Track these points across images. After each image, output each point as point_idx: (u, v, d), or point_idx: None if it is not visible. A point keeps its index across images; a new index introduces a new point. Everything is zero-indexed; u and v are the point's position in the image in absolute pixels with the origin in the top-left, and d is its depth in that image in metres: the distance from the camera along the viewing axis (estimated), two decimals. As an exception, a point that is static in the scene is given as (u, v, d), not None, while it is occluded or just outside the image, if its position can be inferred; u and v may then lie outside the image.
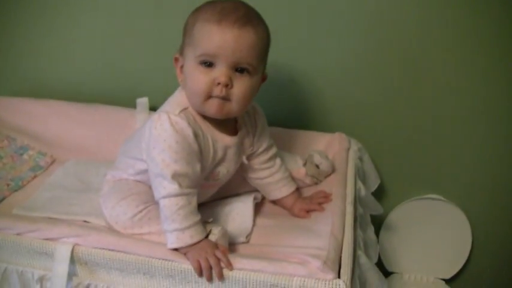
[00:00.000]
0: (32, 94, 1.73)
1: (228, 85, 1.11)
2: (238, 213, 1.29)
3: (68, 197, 1.38)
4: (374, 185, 1.59)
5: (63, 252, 1.11)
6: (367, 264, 1.22)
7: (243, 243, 1.23)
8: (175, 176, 1.09)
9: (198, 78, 1.11)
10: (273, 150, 1.36)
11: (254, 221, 1.30)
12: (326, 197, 1.33)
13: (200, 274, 1.06)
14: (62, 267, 1.11)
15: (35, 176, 1.50)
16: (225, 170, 1.25)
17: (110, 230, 1.19)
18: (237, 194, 1.39)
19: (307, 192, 1.41)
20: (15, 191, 1.43)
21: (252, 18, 1.12)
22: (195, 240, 1.09)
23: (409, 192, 1.72)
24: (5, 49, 1.77)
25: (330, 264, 1.05)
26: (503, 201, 1.69)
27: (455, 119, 1.61)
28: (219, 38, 1.09)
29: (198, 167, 1.14)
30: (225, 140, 1.21)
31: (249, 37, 1.10)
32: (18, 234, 1.15)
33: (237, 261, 1.06)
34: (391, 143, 1.68)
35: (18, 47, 1.76)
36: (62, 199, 1.37)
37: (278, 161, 1.37)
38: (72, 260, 1.11)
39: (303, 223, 1.28)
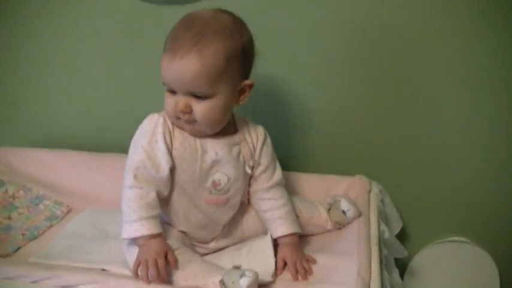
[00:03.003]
0: (46, 145, 1.73)
1: (188, 111, 1.14)
2: (259, 252, 1.25)
3: (86, 245, 1.35)
4: (397, 228, 1.56)
5: (81, 300, 1.07)
6: (395, 306, 1.17)
7: (270, 282, 1.19)
8: (134, 169, 1.15)
9: (166, 102, 1.17)
10: (277, 181, 1.32)
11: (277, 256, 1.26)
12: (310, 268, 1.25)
13: (135, 274, 1.10)
14: (80, 315, 1.07)
15: (50, 226, 1.48)
16: (225, 178, 1.23)
17: (130, 276, 1.15)
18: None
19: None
20: (31, 240, 1.40)
21: (200, 40, 1.11)
22: (138, 234, 1.11)
23: (433, 235, 1.68)
24: (20, 101, 1.79)
25: (359, 306, 1.00)
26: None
27: (476, 161, 1.59)
28: (167, 69, 1.14)
29: (164, 166, 1.16)
30: (215, 140, 1.22)
31: (191, 67, 1.11)
32: (34, 282, 1.11)
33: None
34: (411, 185, 1.65)
35: (34, 99, 1.78)
36: (79, 247, 1.33)
37: (283, 199, 1.32)
38: (91, 308, 1.07)
39: (327, 261, 1.25)
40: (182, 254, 1.16)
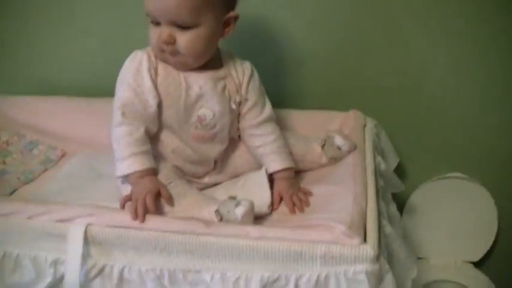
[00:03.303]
0: (39, 93, 1.71)
1: (171, 42, 1.14)
2: (254, 184, 1.26)
3: (81, 185, 1.35)
4: (393, 163, 1.55)
5: (76, 233, 1.06)
6: (393, 234, 1.16)
7: (266, 214, 1.20)
8: (122, 106, 1.16)
9: (151, 35, 1.17)
10: (266, 116, 1.31)
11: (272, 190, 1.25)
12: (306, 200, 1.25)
13: (121, 207, 1.12)
14: (75, 249, 1.06)
15: (45, 170, 1.48)
16: (210, 113, 1.23)
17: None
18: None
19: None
20: (27, 183, 1.40)
21: None
22: (132, 170, 1.12)
23: (430, 172, 1.67)
24: (12, 51, 1.76)
25: (355, 228, 0.99)
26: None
27: (473, 97, 1.58)
28: (150, 1, 1.13)
29: (151, 102, 1.17)
30: (199, 74, 1.21)
31: None
32: (29, 217, 1.10)
33: (259, 230, 1.01)
34: (407, 122, 1.64)
35: (26, 48, 1.75)
36: (75, 187, 1.34)
37: (274, 134, 1.32)
38: (86, 241, 1.06)
39: (323, 192, 1.24)
40: (177, 186, 1.17)
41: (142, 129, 1.16)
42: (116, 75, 1.23)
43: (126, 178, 1.15)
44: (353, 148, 1.36)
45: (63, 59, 1.73)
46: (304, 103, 1.59)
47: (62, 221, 1.08)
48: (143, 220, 1.05)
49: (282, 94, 1.60)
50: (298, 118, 1.52)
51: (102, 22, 1.67)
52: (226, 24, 1.20)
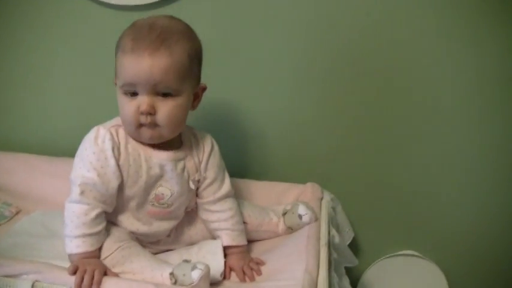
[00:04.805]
0: (1, 148, 1.71)
1: (152, 113, 1.12)
2: (208, 251, 1.25)
3: (32, 242, 1.32)
4: (348, 238, 1.57)
5: (23, 288, 1.04)
6: (343, 308, 1.18)
7: (219, 281, 1.19)
8: (82, 184, 1.12)
9: (125, 108, 1.14)
10: (224, 193, 1.30)
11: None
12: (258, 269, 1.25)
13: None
14: (21, 306, 1.04)
15: (-2, 225, 1.45)
16: (168, 192, 1.22)
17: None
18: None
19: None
20: (-23, 239, 1.36)
21: (167, 38, 1.12)
22: (80, 250, 1.10)
23: (385, 249, 1.69)
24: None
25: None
26: (478, 255, 1.67)
27: (426, 175, 1.63)
28: (133, 67, 1.10)
29: (113, 183, 1.15)
30: (160, 155, 1.20)
31: (162, 62, 1.10)
32: (-24, 271, 1.08)
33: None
34: (362, 199, 1.67)
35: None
36: (26, 244, 1.31)
37: (231, 211, 1.31)
38: (33, 298, 1.04)
39: (276, 262, 1.24)
40: (131, 248, 1.16)
41: (98, 210, 1.13)
42: (80, 137, 1.20)
43: (71, 256, 1.13)
44: (313, 220, 1.36)
45: (24, 116, 1.75)
46: (264, 174, 1.62)
47: (9, 276, 1.06)
48: None
49: (242, 165, 1.63)
50: (257, 189, 1.53)
51: (69, 82, 1.69)
52: (196, 95, 1.22)
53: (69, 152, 1.59)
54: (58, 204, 1.49)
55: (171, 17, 1.20)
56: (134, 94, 1.13)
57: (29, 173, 1.60)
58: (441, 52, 1.50)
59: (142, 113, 1.12)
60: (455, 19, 1.47)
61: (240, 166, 1.58)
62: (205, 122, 1.54)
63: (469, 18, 1.46)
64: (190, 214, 1.34)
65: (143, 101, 1.12)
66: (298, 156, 1.64)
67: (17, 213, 1.53)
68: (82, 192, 1.12)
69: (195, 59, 1.18)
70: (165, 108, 1.13)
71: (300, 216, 1.37)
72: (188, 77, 1.15)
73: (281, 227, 1.39)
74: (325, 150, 1.63)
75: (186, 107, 1.17)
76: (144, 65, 1.09)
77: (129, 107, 1.13)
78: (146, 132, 1.15)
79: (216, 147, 1.30)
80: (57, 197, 1.53)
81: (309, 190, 1.50)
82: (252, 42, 1.56)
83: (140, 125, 1.14)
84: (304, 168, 1.64)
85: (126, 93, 1.14)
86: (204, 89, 1.24)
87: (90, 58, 1.64)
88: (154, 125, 1.14)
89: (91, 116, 1.57)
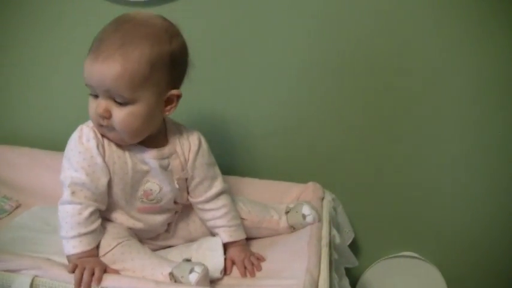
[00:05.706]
0: (6, 142, 1.70)
1: (106, 116, 1.10)
2: (208, 249, 1.25)
3: (33, 237, 1.32)
4: (348, 238, 1.57)
5: (22, 284, 1.04)
6: (343, 308, 1.18)
7: (218, 279, 1.19)
8: (72, 185, 1.12)
9: (89, 108, 1.14)
10: (216, 191, 1.29)
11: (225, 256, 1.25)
12: (258, 264, 1.25)
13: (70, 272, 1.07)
14: (20, 300, 1.03)
15: (-2, 219, 1.44)
16: (156, 188, 1.21)
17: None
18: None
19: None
20: (-24, 232, 1.36)
21: (125, 43, 1.08)
22: (77, 250, 1.10)
23: (384, 250, 1.70)
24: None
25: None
26: (477, 257, 1.67)
27: (428, 173, 1.62)
28: (88, 70, 1.10)
29: (103, 180, 1.14)
30: (144, 153, 1.18)
31: (113, 70, 1.07)
32: (-25, 266, 1.07)
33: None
34: (364, 200, 1.67)
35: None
36: (26, 239, 1.30)
37: (225, 208, 1.29)
38: (33, 292, 1.04)
39: (277, 260, 1.24)
40: (130, 245, 1.15)
41: (92, 208, 1.12)
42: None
43: (69, 257, 1.12)
44: (317, 220, 1.35)
45: (30, 111, 1.74)
46: (265, 173, 1.61)
47: (9, 271, 1.06)
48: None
49: (243, 163, 1.62)
50: (258, 187, 1.53)
51: (74, 78, 1.67)
52: (169, 101, 1.17)
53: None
54: (58, 199, 1.50)
55: (153, 16, 1.16)
56: (97, 96, 1.12)
57: (32, 167, 1.60)
58: (442, 52, 1.49)
59: (99, 116, 1.11)
60: (455, 19, 1.46)
61: (241, 165, 1.58)
62: (210, 121, 1.53)
63: (469, 19, 1.46)
64: (189, 210, 1.33)
65: (99, 104, 1.11)
66: (299, 156, 1.64)
67: (17, 207, 1.53)
68: (73, 193, 1.12)
69: (161, 65, 1.12)
70: (119, 115, 1.11)
71: (304, 216, 1.36)
72: (147, 85, 1.10)
73: (282, 225, 1.38)
74: (326, 151, 1.63)
75: (144, 115, 1.12)
76: (96, 70, 1.08)
77: (91, 107, 1.13)
78: (108, 134, 1.15)
79: (204, 146, 1.28)
80: (58, 192, 1.53)
81: (310, 189, 1.50)
82: (254, 42, 1.56)
83: (101, 126, 1.13)
84: (305, 169, 1.64)
85: (90, 93, 1.13)
86: (178, 96, 1.18)
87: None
88: (112, 128, 1.12)
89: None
